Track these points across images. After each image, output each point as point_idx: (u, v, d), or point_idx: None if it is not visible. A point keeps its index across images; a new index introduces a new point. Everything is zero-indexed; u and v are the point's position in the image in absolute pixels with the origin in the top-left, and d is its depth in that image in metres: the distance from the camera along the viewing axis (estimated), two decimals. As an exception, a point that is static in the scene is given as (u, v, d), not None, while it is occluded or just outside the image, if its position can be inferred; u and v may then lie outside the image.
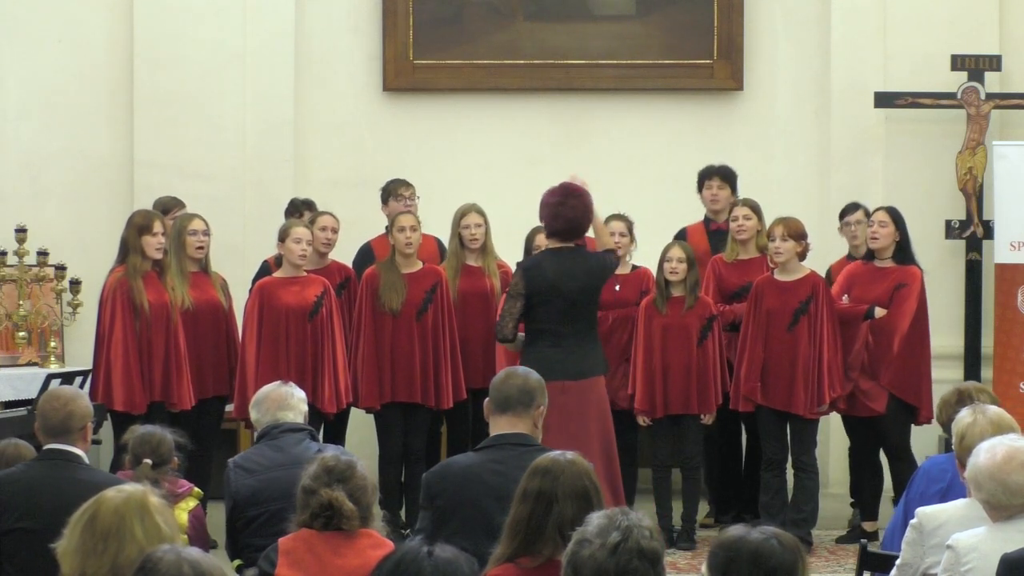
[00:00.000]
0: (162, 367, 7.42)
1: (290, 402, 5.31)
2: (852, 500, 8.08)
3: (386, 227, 8.17)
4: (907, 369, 7.66)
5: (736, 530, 3.14)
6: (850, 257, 8.16)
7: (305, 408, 5.38)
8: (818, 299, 7.53)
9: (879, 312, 7.62)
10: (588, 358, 6.68)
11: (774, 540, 3.09)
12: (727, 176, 8.35)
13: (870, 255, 7.80)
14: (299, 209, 8.39)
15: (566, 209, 6.67)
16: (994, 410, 4.68)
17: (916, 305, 7.68)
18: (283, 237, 7.63)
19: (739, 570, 3.04)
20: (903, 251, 7.74)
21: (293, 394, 5.35)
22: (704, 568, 3.13)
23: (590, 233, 7.00)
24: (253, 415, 5.37)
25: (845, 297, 7.76)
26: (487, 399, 4.85)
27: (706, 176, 8.38)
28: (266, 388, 5.42)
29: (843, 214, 8.32)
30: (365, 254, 8.34)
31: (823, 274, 7.96)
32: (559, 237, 6.75)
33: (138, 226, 7.47)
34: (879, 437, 7.75)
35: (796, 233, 7.56)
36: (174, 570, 2.94)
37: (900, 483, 7.60)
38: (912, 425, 7.79)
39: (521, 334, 6.82)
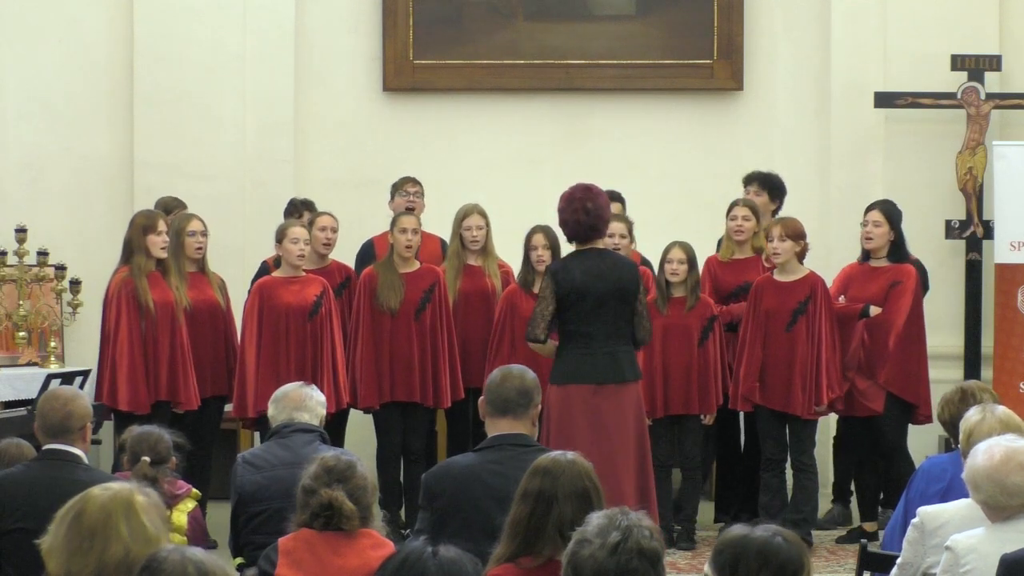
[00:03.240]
0: (168, 366, 7.43)
1: (307, 403, 5.33)
2: (833, 497, 8.16)
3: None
4: (904, 367, 7.66)
5: (739, 529, 3.14)
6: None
7: (322, 412, 5.39)
8: (816, 299, 7.53)
9: (874, 310, 7.62)
10: (619, 362, 6.56)
11: (779, 537, 3.09)
12: (765, 182, 8.29)
13: (866, 255, 7.80)
14: (298, 209, 8.40)
15: (573, 213, 6.59)
16: (1002, 409, 4.68)
17: (911, 302, 7.67)
18: (280, 238, 7.65)
19: (747, 568, 3.05)
20: (898, 249, 7.74)
21: (312, 396, 5.36)
22: (708, 568, 3.13)
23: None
24: (270, 410, 5.39)
25: (842, 298, 7.76)
26: (481, 399, 4.84)
27: (747, 182, 8.34)
28: (287, 387, 5.45)
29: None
30: (367, 251, 8.35)
31: (828, 273, 7.94)
32: (577, 240, 6.67)
33: (142, 226, 7.47)
34: (876, 437, 7.74)
35: (794, 233, 7.56)
36: (179, 570, 2.94)
37: (894, 484, 7.61)
38: (909, 424, 7.78)
39: (553, 342, 6.73)
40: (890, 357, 7.62)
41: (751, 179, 8.34)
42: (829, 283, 7.77)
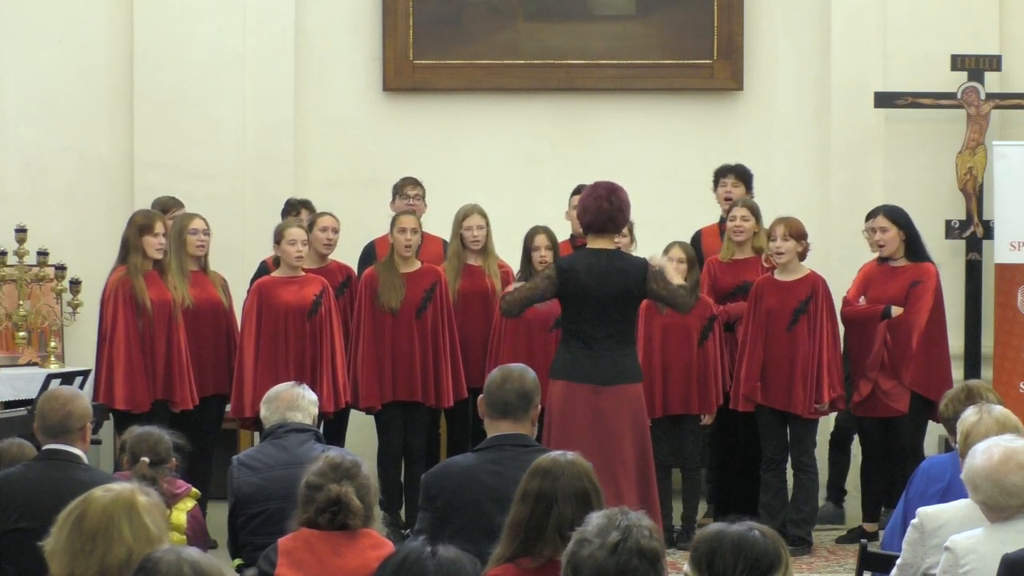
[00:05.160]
0: (164, 366, 7.42)
1: (300, 403, 5.33)
2: (827, 496, 8.17)
3: (393, 224, 8.18)
4: (928, 366, 7.63)
5: (715, 525, 3.14)
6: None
7: (315, 411, 5.39)
8: (818, 299, 7.53)
9: (895, 311, 7.61)
10: (621, 364, 6.55)
11: (755, 531, 3.10)
12: (742, 174, 8.33)
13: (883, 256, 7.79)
14: (296, 208, 8.39)
15: (597, 199, 6.56)
16: (999, 410, 4.67)
17: (932, 301, 7.66)
18: (278, 239, 7.65)
19: (723, 562, 3.05)
20: (913, 248, 7.72)
21: (304, 395, 5.36)
22: (687, 565, 3.14)
23: None
24: (263, 412, 5.39)
25: (862, 299, 7.75)
26: (481, 397, 4.83)
27: (721, 174, 8.36)
28: (278, 387, 5.45)
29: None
30: (369, 253, 8.35)
31: (828, 273, 7.94)
32: (592, 232, 6.64)
33: (139, 226, 7.47)
34: (892, 437, 7.72)
35: (797, 233, 7.57)
36: (174, 570, 2.93)
37: (904, 483, 7.58)
38: (929, 423, 7.76)
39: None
40: (914, 357, 7.60)
41: (727, 171, 8.34)
42: (830, 283, 7.76)
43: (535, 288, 6.67)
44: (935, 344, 7.69)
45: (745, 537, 3.08)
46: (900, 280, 7.68)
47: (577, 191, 7.87)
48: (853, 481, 8.24)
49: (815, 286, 7.57)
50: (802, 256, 7.62)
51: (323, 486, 4.15)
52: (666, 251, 7.77)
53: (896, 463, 7.70)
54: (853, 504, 8.17)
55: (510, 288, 6.99)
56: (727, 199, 8.26)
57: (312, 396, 5.42)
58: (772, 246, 7.61)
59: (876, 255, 7.90)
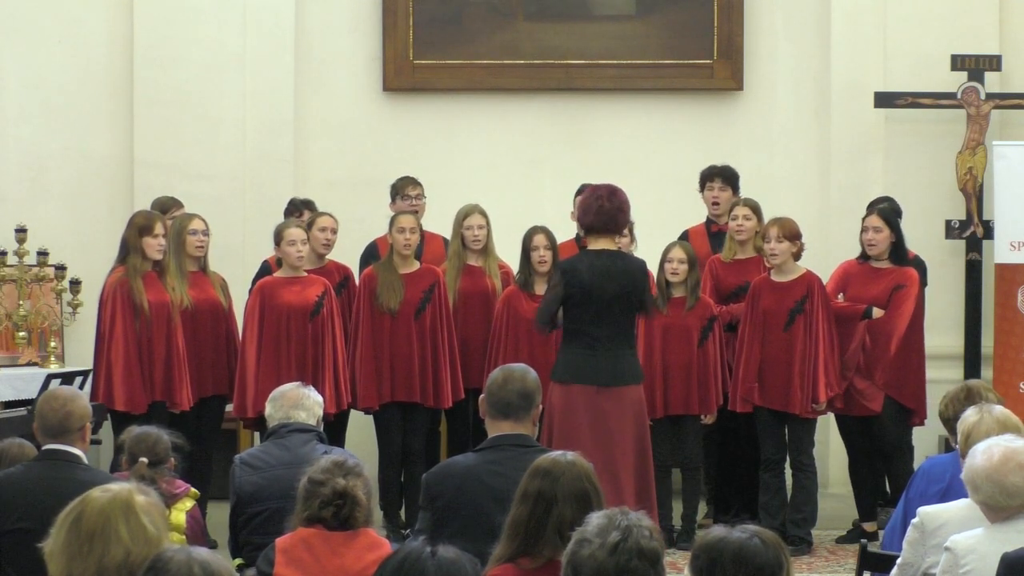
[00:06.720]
0: (163, 367, 7.42)
1: (305, 403, 5.34)
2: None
3: (394, 225, 8.16)
4: (904, 371, 7.66)
5: (717, 531, 3.12)
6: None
7: (319, 412, 5.40)
8: (814, 298, 7.53)
9: (876, 312, 7.62)
10: (622, 364, 6.58)
11: (756, 539, 3.07)
12: (729, 177, 8.34)
13: (866, 255, 7.79)
14: (299, 208, 8.40)
15: (597, 200, 6.59)
16: (1000, 409, 4.67)
17: (914, 307, 7.67)
18: (278, 241, 7.66)
19: (724, 572, 3.03)
20: (898, 251, 7.73)
21: (309, 396, 5.37)
22: (687, 571, 3.12)
23: None
24: (268, 410, 5.40)
25: (840, 296, 7.76)
26: (482, 397, 4.83)
27: (708, 177, 8.36)
28: (284, 386, 5.46)
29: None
30: (371, 253, 8.35)
31: (827, 273, 7.94)
32: (594, 233, 6.66)
33: (139, 227, 7.47)
34: (876, 436, 7.74)
35: (791, 234, 7.57)
36: (184, 570, 2.93)
37: (896, 483, 7.60)
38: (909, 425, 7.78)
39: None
40: (891, 362, 7.61)
41: (713, 175, 8.34)
42: (827, 282, 7.77)
43: (550, 299, 6.70)
44: (912, 350, 7.70)
45: (746, 546, 3.05)
46: (883, 282, 7.68)
47: (581, 191, 7.87)
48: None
49: (811, 286, 7.57)
50: (797, 256, 7.61)
51: (328, 481, 4.16)
52: (666, 251, 7.79)
53: (885, 461, 7.72)
54: (849, 504, 8.16)
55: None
56: (714, 203, 8.28)
57: (318, 397, 5.43)
58: (766, 248, 7.61)
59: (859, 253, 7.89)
